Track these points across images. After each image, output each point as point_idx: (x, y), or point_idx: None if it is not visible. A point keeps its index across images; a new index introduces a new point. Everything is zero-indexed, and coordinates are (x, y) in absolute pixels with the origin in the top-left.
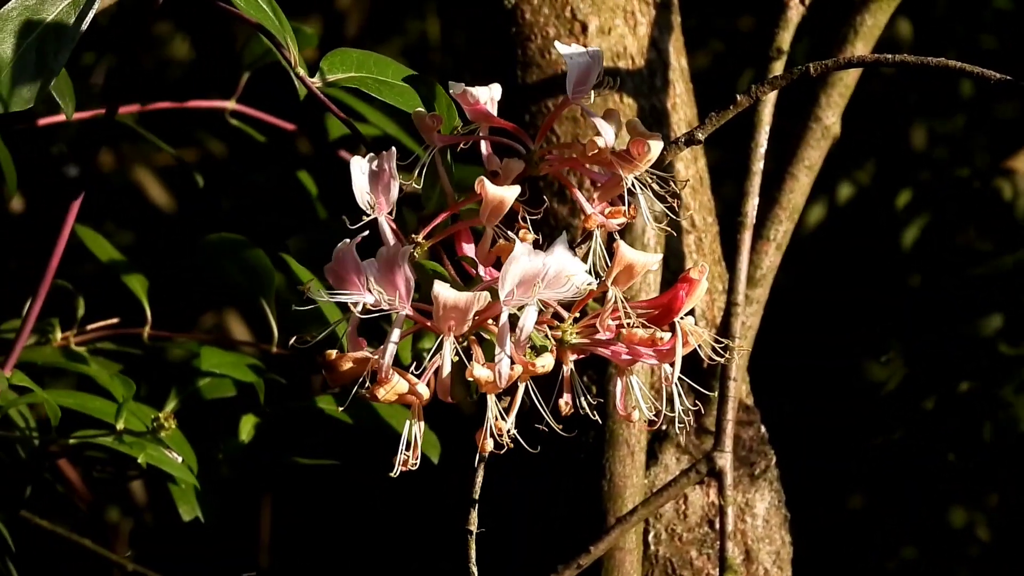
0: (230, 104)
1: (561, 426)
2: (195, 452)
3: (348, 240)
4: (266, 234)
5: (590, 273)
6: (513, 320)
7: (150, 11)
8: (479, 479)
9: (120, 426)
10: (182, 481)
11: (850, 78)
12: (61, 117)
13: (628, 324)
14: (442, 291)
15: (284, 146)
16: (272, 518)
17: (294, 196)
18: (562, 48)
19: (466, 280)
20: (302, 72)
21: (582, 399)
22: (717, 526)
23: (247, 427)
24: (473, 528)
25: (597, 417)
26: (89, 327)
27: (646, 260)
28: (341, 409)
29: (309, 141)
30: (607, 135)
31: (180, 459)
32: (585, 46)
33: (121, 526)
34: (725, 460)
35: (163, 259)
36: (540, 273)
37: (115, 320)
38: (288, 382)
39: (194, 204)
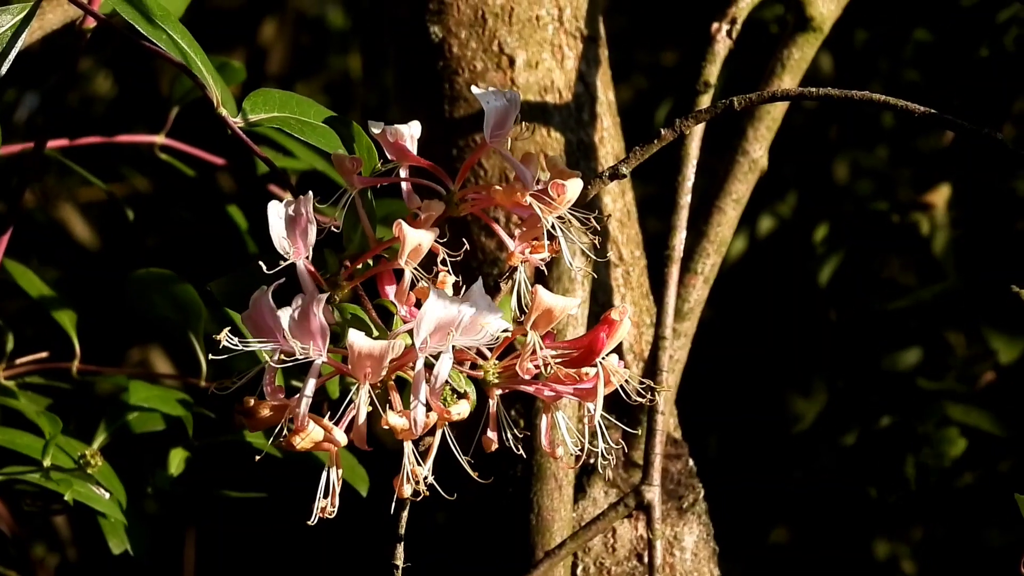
0: (159, 139)
1: (478, 474)
2: (125, 485)
3: (264, 288)
4: (193, 269)
5: (516, 308)
6: (429, 366)
7: (79, 48)
8: (405, 514)
9: (47, 463)
10: (110, 516)
11: (777, 111)
12: None
13: (547, 369)
14: (356, 339)
15: (211, 181)
16: (197, 551)
17: (223, 231)
18: (478, 92)
19: (388, 322)
20: (224, 112)
21: (508, 433)
22: (646, 559)
23: (176, 460)
24: (399, 563)
25: (522, 451)
26: (18, 361)
27: (565, 304)
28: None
29: (238, 176)
30: (525, 180)
31: (108, 495)
32: (513, 80)
33: (47, 561)
34: (653, 493)
35: (89, 295)
36: (455, 320)
37: (44, 354)
38: (217, 416)
39: (119, 240)
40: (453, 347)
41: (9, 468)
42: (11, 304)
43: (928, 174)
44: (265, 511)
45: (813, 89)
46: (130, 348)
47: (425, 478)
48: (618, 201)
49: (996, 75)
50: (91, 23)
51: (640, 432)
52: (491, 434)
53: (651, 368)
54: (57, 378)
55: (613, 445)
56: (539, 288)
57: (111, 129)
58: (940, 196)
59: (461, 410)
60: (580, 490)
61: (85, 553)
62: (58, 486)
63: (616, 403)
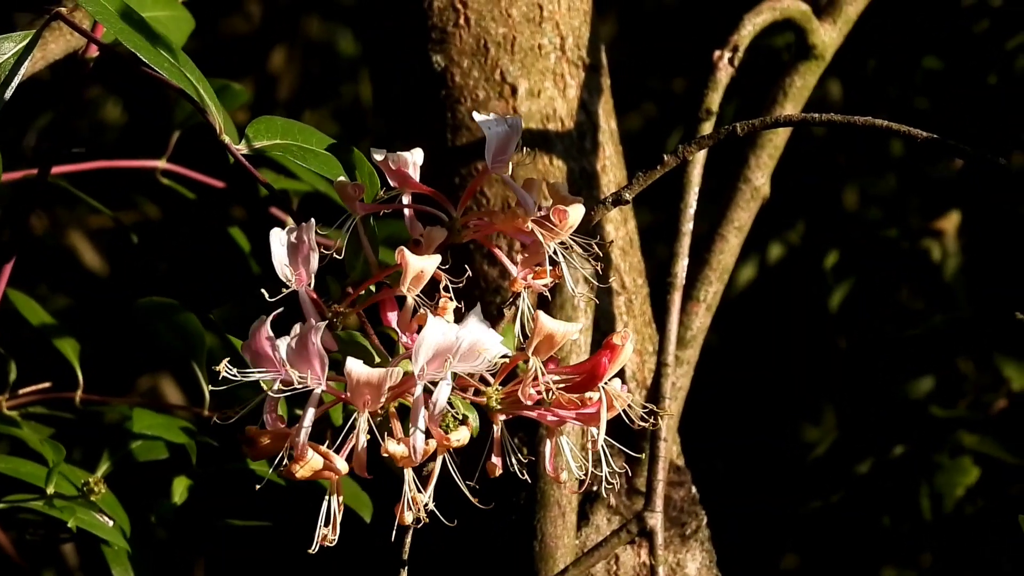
0: (161, 163)
1: (478, 500)
2: (129, 514)
3: (263, 317)
4: (199, 295)
5: (519, 335)
6: (428, 393)
7: (83, 75)
8: (408, 539)
9: (50, 490)
10: (114, 544)
11: (779, 139)
12: None
13: (549, 395)
14: (355, 367)
15: (216, 205)
16: None
17: (227, 253)
18: (480, 118)
19: (390, 349)
20: (227, 139)
21: (512, 459)
22: None
23: (180, 488)
24: None
25: (527, 477)
26: (21, 391)
27: (566, 329)
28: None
29: (241, 199)
30: (527, 205)
31: (111, 522)
32: (515, 108)
33: None
34: (656, 520)
35: (98, 322)
36: (453, 347)
37: (47, 384)
38: (221, 444)
39: (128, 267)
40: (452, 373)
41: (12, 496)
42: (15, 333)
43: (938, 201)
44: (270, 539)
45: (816, 115)
46: (141, 376)
47: (426, 505)
48: (620, 229)
49: (1005, 102)
50: (93, 52)
51: (643, 459)
52: (495, 459)
53: (654, 395)
54: (61, 408)
55: (617, 470)
56: (541, 313)
57: (121, 156)
58: (950, 223)
59: (461, 437)
60: (583, 517)
61: None
62: (61, 513)
63: (619, 430)
